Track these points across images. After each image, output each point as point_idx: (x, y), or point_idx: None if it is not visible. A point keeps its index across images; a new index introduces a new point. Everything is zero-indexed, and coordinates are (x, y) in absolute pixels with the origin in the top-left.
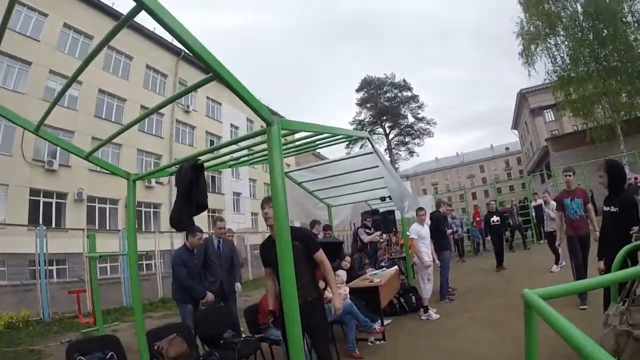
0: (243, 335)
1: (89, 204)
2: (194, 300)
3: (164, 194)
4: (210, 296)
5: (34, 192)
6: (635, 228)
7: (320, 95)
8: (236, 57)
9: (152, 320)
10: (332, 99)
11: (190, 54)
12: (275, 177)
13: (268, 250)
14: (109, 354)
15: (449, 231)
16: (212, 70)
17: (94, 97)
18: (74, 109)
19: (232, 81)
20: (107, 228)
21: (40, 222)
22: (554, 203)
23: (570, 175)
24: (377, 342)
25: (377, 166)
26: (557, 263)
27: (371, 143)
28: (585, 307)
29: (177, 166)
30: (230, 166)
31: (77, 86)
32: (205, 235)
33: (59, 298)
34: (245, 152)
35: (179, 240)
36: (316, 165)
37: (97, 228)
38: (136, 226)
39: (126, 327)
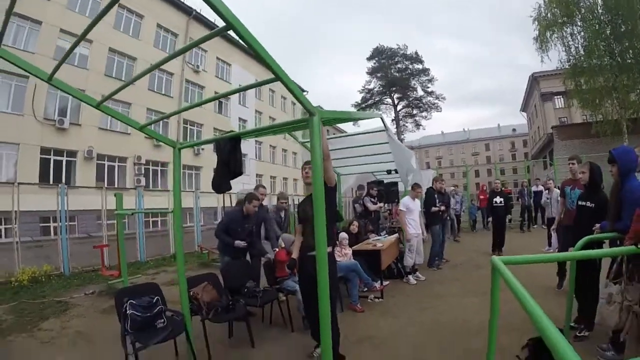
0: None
1: (99, 162)
2: (231, 254)
3: (172, 153)
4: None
5: (44, 150)
6: (597, 225)
7: (330, 56)
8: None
9: (167, 274)
10: (343, 62)
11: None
12: (315, 158)
13: (303, 206)
14: (155, 298)
15: (435, 208)
16: (273, 73)
17: (104, 56)
18: (84, 68)
19: (288, 81)
20: (116, 186)
21: (51, 179)
22: (557, 190)
23: (574, 164)
24: (376, 300)
25: (387, 142)
26: (550, 245)
27: (383, 122)
28: (560, 289)
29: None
30: (257, 135)
31: (87, 45)
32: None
33: (73, 253)
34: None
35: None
36: (332, 138)
37: (106, 185)
38: (180, 187)
39: (144, 280)
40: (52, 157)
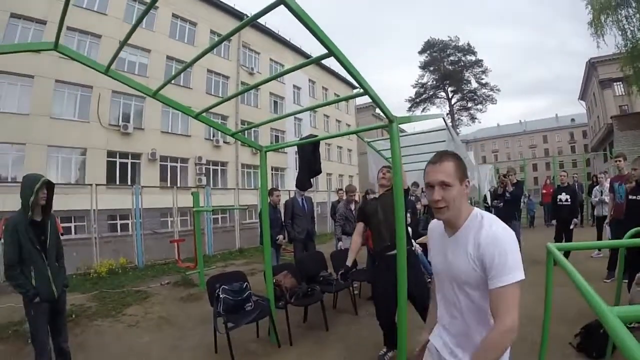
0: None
1: (162, 163)
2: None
3: (231, 153)
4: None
5: (110, 153)
6: None
7: (379, 48)
8: None
9: (235, 267)
10: (392, 55)
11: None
12: (395, 160)
13: (370, 208)
14: (245, 284)
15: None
16: (364, 89)
17: (162, 63)
18: (144, 76)
19: (371, 92)
20: (178, 185)
21: (117, 180)
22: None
23: (619, 161)
24: None
25: (444, 140)
26: (599, 250)
27: (445, 123)
28: (608, 281)
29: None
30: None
31: (146, 54)
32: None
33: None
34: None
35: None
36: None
37: (168, 185)
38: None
39: (215, 272)
40: (118, 160)
